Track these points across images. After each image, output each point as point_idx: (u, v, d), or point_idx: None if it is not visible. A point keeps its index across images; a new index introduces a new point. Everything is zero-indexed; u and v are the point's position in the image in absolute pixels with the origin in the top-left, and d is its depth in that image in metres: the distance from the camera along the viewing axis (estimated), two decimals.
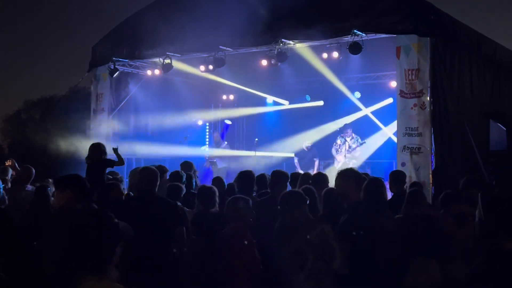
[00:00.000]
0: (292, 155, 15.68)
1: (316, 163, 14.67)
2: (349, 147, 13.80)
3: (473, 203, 3.68)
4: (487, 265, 2.93)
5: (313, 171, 14.02)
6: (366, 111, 15.22)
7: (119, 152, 9.47)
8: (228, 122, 17.95)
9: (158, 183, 5.62)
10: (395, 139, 13.07)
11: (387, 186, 7.14)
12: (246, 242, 4.92)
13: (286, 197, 5.03)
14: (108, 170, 8.95)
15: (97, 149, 9.01)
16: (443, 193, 5.60)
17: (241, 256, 4.85)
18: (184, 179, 7.55)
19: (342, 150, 13.91)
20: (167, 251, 5.10)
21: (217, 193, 6.15)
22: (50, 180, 8.19)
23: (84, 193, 4.83)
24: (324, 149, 15.36)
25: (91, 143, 12.67)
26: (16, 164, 9.17)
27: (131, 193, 7.07)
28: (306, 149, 14.83)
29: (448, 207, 5.24)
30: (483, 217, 3.02)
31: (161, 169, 8.22)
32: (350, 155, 13.77)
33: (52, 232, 4.52)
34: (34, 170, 8.10)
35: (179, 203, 6.21)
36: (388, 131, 14.47)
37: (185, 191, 6.90)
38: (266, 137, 16.46)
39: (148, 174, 5.52)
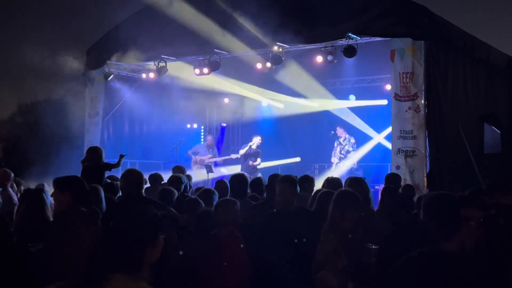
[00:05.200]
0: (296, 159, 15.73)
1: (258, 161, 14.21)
2: (342, 149, 13.79)
3: (481, 207, 3.70)
4: (419, 260, 2.92)
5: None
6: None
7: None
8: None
9: (144, 185, 5.60)
10: (385, 143, 13.12)
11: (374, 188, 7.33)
12: (242, 246, 4.89)
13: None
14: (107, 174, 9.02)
15: (95, 153, 9.06)
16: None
17: (235, 259, 4.82)
18: (183, 184, 7.52)
19: (336, 152, 13.92)
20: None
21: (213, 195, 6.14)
22: (45, 184, 8.11)
23: (83, 196, 4.77)
24: (319, 153, 15.41)
25: (85, 146, 12.65)
26: None
27: None
28: (255, 147, 14.21)
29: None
30: (423, 217, 3.09)
31: (157, 178, 8.20)
32: (345, 157, 13.77)
33: (56, 236, 4.49)
34: (12, 173, 8.07)
35: (170, 208, 6.20)
36: (379, 137, 14.51)
37: (177, 195, 6.84)
38: (262, 142, 16.45)
39: (133, 177, 5.47)
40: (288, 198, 5.34)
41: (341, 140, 13.87)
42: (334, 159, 13.98)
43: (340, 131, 13.98)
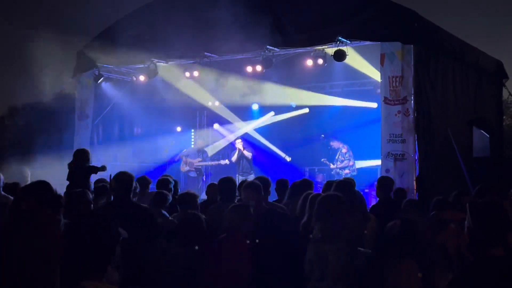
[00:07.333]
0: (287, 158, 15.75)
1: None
2: (336, 159, 13.98)
3: (463, 209, 3.75)
4: (473, 271, 2.97)
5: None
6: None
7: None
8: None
9: (133, 188, 5.54)
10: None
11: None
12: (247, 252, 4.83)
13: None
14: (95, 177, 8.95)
15: (81, 156, 9.07)
16: (434, 199, 5.77)
17: (240, 266, 4.74)
18: (171, 185, 7.50)
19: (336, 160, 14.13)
20: (147, 260, 4.98)
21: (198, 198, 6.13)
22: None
23: (50, 200, 4.61)
24: (309, 157, 15.45)
25: (75, 148, 12.59)
26: None
27: None
28: (241, 148, 14.29)
29: (436, 212, 5.38)
30: (471, 225, 3.05)
31: (145, 181, 8.09)
32: (341, 165, 13.87)
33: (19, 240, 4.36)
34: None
35: (164, 212, 6.17)
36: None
37: (171, 199, 6.79)
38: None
39: (122, 180, 5.42)
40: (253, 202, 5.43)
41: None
42: (332, 165, 14.09)
43: (334, 143, 14.12)
